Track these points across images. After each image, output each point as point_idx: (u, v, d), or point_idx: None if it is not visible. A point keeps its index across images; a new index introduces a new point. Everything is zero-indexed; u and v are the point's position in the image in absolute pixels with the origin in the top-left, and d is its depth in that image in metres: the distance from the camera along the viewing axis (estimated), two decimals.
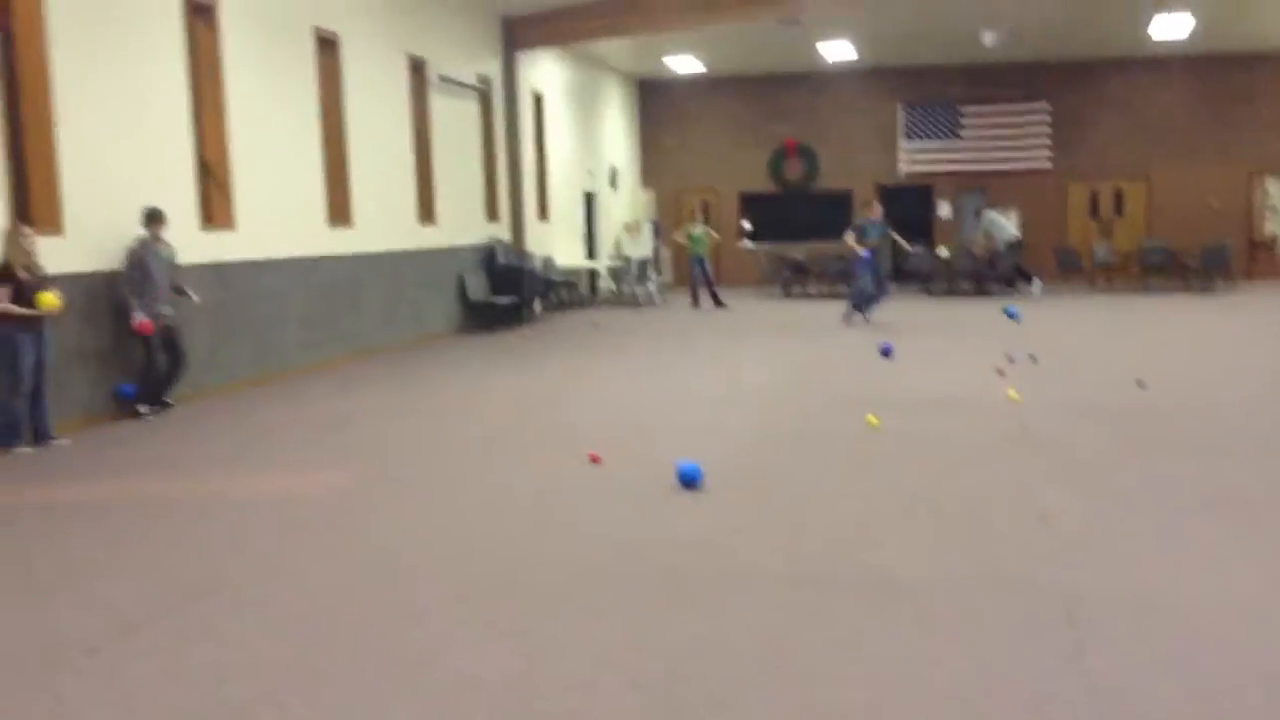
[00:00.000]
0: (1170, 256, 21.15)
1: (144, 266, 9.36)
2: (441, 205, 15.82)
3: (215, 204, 10.99)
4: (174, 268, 9.74)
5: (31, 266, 8.18)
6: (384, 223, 14.18)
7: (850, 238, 16.13)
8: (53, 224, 8.89)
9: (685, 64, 22.96)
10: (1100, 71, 23.23)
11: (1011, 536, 5.61)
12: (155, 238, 9.51)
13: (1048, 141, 23.61)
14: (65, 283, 8.67)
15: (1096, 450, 7.53)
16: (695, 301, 19.61)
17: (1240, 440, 7.75)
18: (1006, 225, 21.47)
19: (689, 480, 6.57)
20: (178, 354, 9.80)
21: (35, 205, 8.85)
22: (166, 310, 9.61)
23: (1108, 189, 23.80)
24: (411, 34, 14.93)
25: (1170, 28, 19.74)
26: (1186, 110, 23.16)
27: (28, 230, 8.23)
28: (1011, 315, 15.45)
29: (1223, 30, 20.40)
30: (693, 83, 24.84)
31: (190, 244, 10.38)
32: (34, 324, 8.18)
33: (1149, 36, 20.44)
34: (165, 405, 9.76)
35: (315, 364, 12.38)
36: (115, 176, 9.50)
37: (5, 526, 6.23)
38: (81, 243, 9.11)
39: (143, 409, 9.54)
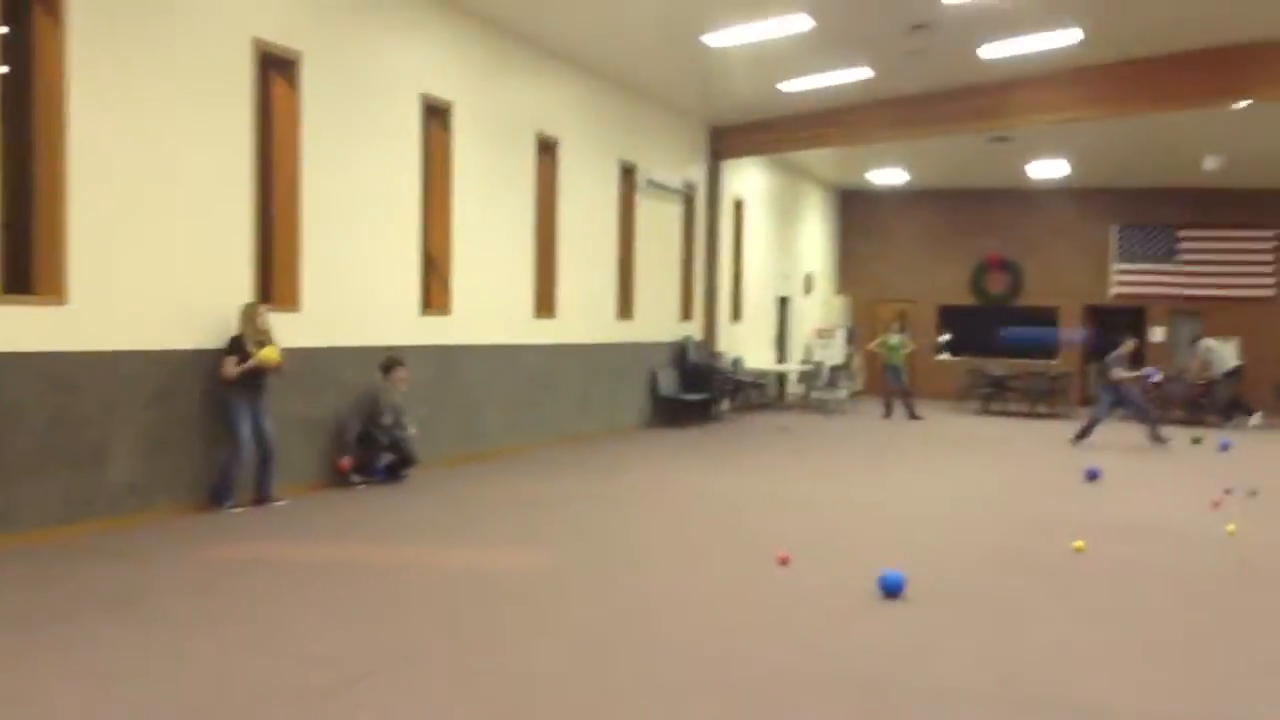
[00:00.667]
0: None
1: (375, 405, 10.16)
2: (639, 302, 16.26)
3: (435, 292, 11.65)
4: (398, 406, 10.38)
5: (264, 341, 8.78)
6: (585, 316, 14.68)
7: (1121, 369, 15.52)
8: (291, 301, 9.61)
9: (888, 176, 23.04)
10: None
11: (1233, 678, 5.28)
12: (390, 382, 10.27)
13: (1271, 270, 22.47)
14: (298, 355, 9.35)
15: None
16: (888, 412, 19.33)
17: None
18: (1225, 353, 20.40)
19: (893, 589, 6.48)
20: (405, 455, 10.46)
21: (277, 285, 9.59)
22: (406, 433, 10.41)
23: None
24: (625, 140, 15.58)
25: None
26: None
27: (263, 309, 8.89)
28: (1224, 447, 14.65)
29: None
30: (894, 193, 24.86)
31: (412, 328, 11.04)
32: (253, 395, 8.80)
33: None
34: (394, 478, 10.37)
35: (515, 446, 12.80)
36: (349, 263, 10.21)
37: (230, 580, 6.67)
38: (315, 321, 9.80)
39: (355, 478, 10.07)
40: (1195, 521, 9.45)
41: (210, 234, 8.71)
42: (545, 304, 13.81)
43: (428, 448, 11.16)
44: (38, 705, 4.45)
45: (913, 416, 18.92)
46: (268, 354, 8.72)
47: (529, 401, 13.25)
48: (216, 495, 8.69)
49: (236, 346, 8.67)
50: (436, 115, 11.54)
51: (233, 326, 8.81)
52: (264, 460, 8.97)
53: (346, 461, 10.03)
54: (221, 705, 4.48)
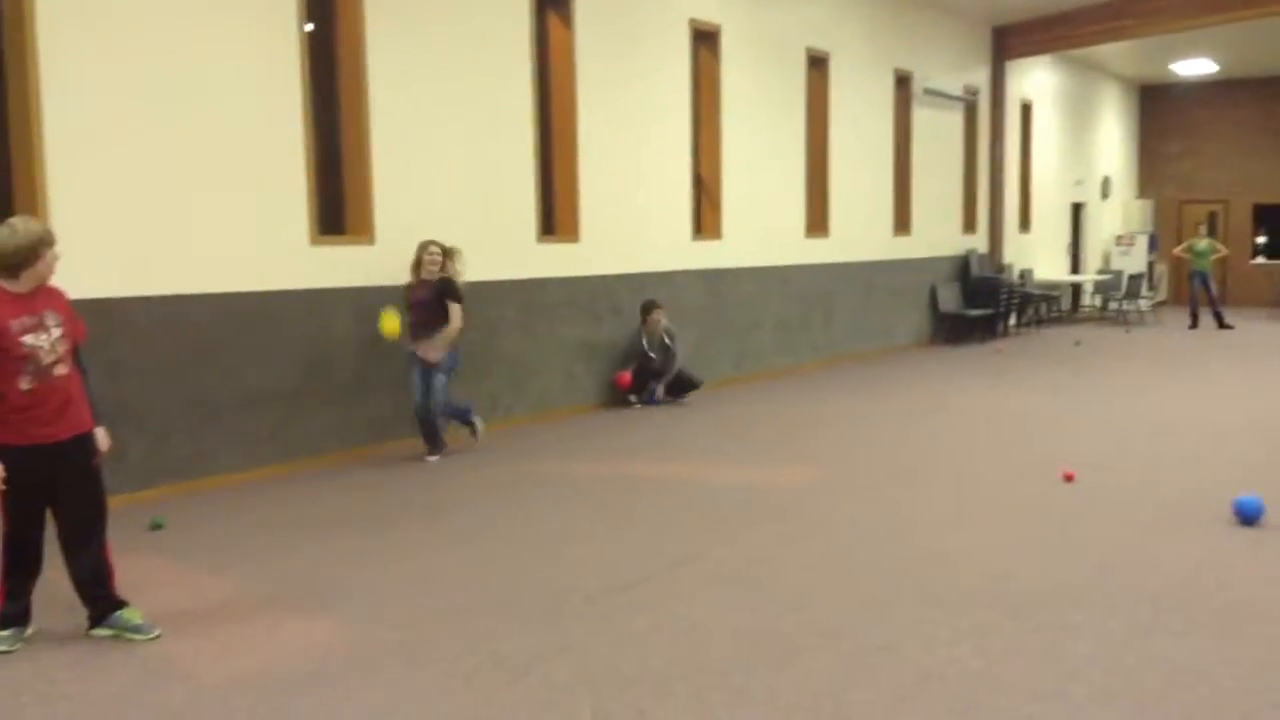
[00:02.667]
0: None
1: (638, 346, 10.55)
2: (917, 217, 15.84)
3: (706, 217, 11.87)
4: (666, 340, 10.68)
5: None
6: (859, 234, 14.48)
7: None
8: (571, 232, 10.09)
9: (1194, 67, 21.07)
10: None
11: None
12: (648, 324, 10.55)
13: None
14: (577, 284, 9.88)
15: None
16: (1194, 322, 18.00)
17: None
18: None
19: (1250, 515, 6.03)
20: (686, 380, 10.82)
21: (559, 217, 10.08)
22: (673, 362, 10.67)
23: None
24: (900, 49, 15.10)
25: None
26: None
27: (433, 247, 8.01)
28: None
29: None
30: (1200, 86, 22.74)
31: (684, 253, 11.34)
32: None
33: None
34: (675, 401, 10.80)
35: (788, 367, 12.93)
36: (623, 193, 10.57)
37: (517, 491, 7.22)
38: (592, 250, 10.24)
39: (632, 399, 10.53)
40: None
41: (496, 171, 9.26)
42: (817, 223, 13.74)
43: (703, 369, 11.47)
44: (372, 599, 5.06)
45: (1222, 325, 17.53)
46: (388, 326, 7.77)
47: (802, 322, 13.30)
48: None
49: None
50: (704, 40, 11.64)
51: (514, 261, 9.37)
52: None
53: (625, 376, 10.41)
54: (519, 604, 4.94)
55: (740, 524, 6.29)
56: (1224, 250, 19.35)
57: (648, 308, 10.62)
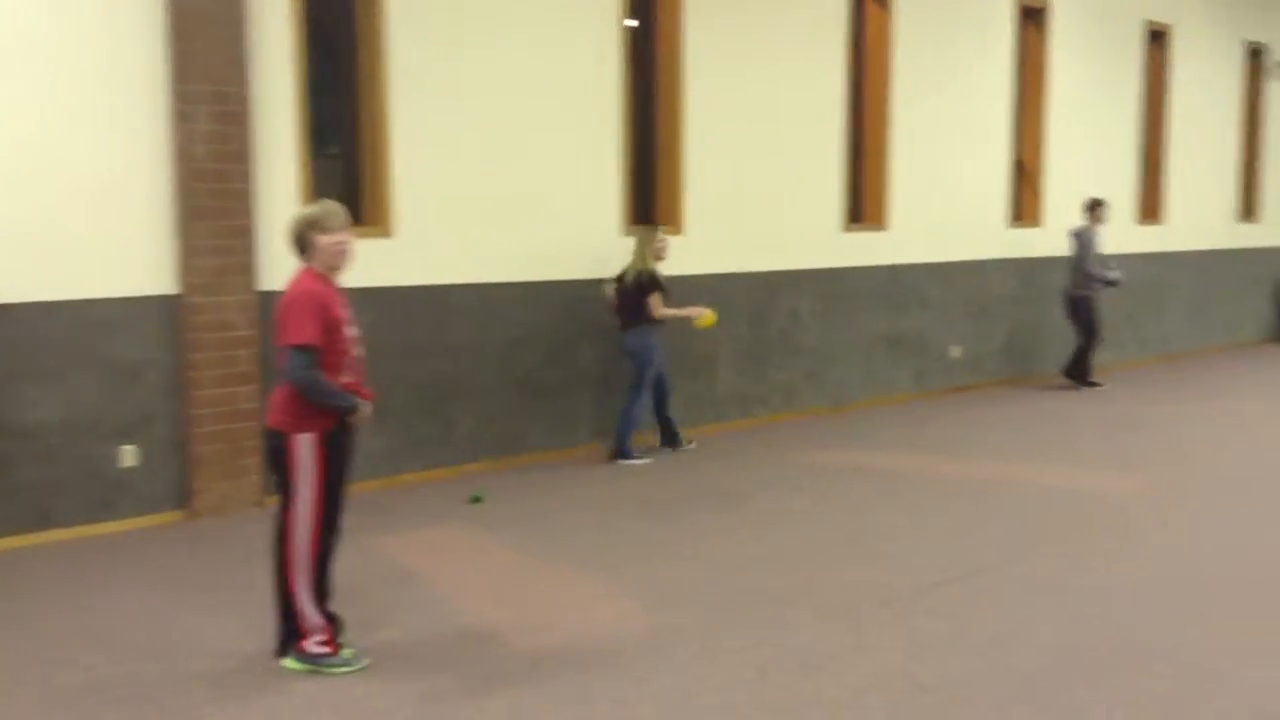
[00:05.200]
0: None
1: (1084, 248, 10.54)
2: (1267, 201, 14.37)
3: (1025, 203, 11.31)
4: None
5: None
6: (1198, 220, 13.33)
7: None
8: (879, 221, 9.90)
9: None
10: None
11: None
12: (1093, 223, 10.59)
13: None
14: (883, 273, 9.69)
15: None
16: None
17: None
18: None
19: None
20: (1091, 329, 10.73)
21: (867, 206, 9.93)
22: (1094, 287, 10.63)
23: None
24: (1251, 18, 13.73)
25: None
26: None
27: (662, 236, 7.70)
28: None
29: None
30: None
31: (1000, 241, 10.90)
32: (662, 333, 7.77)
33: None
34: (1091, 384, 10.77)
35: (1112, 364, 12.12)
36: (936, 180, 10.24)
37: (818, 482, 7.18)
38: (901, 239, 10.00)
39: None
40: None
41: (806, 162, 9.22)
42: (1150, 208, 12.77)
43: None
44: (670, 583, 5.23)
45: None
46: (706, 321, 7.70)
47: (1128, 314, 12.40)
48: (623, 451, 7.70)
49: (660, 283, 7.61)
50: (1031, 18, 11.08)
51: (820, 253, 9.32)
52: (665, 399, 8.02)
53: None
54: (816, 597, 4.95)
55: (1058, 531, 5.99)
56: None
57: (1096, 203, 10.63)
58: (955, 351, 10.61)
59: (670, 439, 8.04)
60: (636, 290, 7.56)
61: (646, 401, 7.81)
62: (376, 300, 6.74)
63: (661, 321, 7.64)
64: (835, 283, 9.54)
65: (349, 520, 4.34)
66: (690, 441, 8.11)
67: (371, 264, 6.55)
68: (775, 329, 9.13)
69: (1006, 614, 4.70)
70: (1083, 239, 10.55)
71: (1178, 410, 9.68)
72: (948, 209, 10.40)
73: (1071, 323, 10.75)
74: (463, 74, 7.15)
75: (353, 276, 4.42)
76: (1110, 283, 10.58)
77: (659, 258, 7.66)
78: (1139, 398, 10.37)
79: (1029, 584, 5.09)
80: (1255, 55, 13.91)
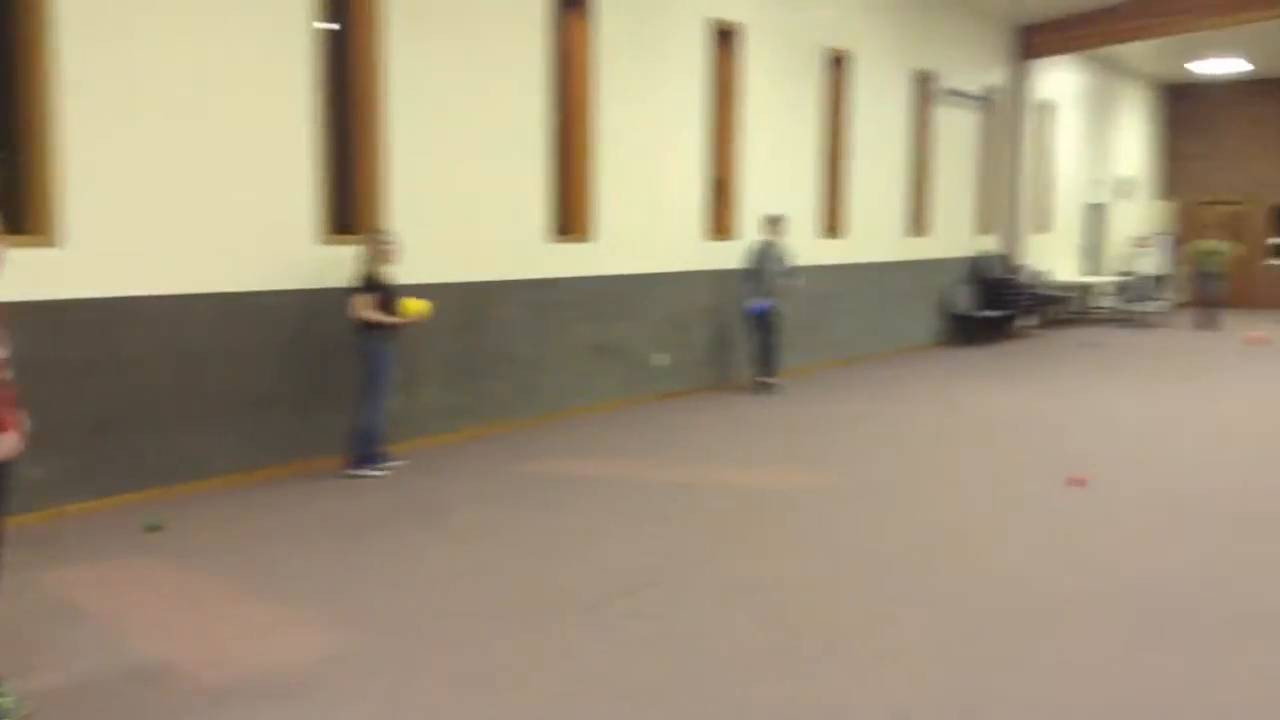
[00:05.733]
0: None
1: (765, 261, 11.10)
2: (934, 218, 15.74)
3: (723, 216, 11.80)
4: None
5: (387, 275, 7.49)
6: (875, 234, 14.40)
7: None
8: (584, 231, 10.05)
9: (1219, 67, 20.88)
10: None
11: None
12: (772, 238, 11.15)
13: None
14: (588, 283, 9.84)
15: None
16: (1204, 322, 17.97)
17: None
18: None
19: None
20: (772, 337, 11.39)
21: (572, 217, 10.04)
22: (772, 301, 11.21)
23: None
24: (920, 48, 15.00)
25: None
26: None
27: (387, 239, 7.53)
28: None
29: None
30: (1225, 86, 22.52)
31: (697, 253, 11.30)
32: (395, 338, 7.56)
33: None
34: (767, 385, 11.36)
35: (800, 368, 12.85)
36: (638, 193, 10.51)
37: (523, 492, 7.19)
38: (606, 250, 10.20)
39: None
40: None
41: (508, 171, 9.21)
42: (833, 223, 13.67)
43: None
44: (367, 603, 5.04)
45: (1203, 326, 17.67)
46: (416, 308, 7.56)
47: (814, 322, 13.22)
48: (365, 458, 7.52)
49: (372, 284, 7.39)
50: (725, 38, 11.59)
51: (528, 264, 9.35)
52: (388, 414, 7.76)
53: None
54: (511, 608, 4.91)
55: (747, 529, 6.25)
56: (1236, 250, 19.35)
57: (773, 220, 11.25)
58: (661, 359, 10.92)
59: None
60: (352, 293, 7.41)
61: (380, 408, 7.56)
62: (38, 315, 6.14)
63: (391, 326, 7.47)
64: (544, 293, 9.59)
65: (7, 556, 3.91)
66: (393, 461, 7.87)
67: (34, 275, 5.98)
68: (484, 339, 9.06)
69: (705, 613, 4.84)
70: (763, 253, 11.15)
71: (857, 410, 10.38)
72: (651, 221, 10.71)
73: (756, 331, 11.34)
74: (139, 74, 6.64)
75: (7, 290, 3.98)
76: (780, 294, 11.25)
77: (381, 261, 7.48)
78: (824, 399, 11.05)
79: (724, 583, 5.28)
80: (923, 82, 15.19)
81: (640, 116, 10.50)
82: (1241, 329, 17.38)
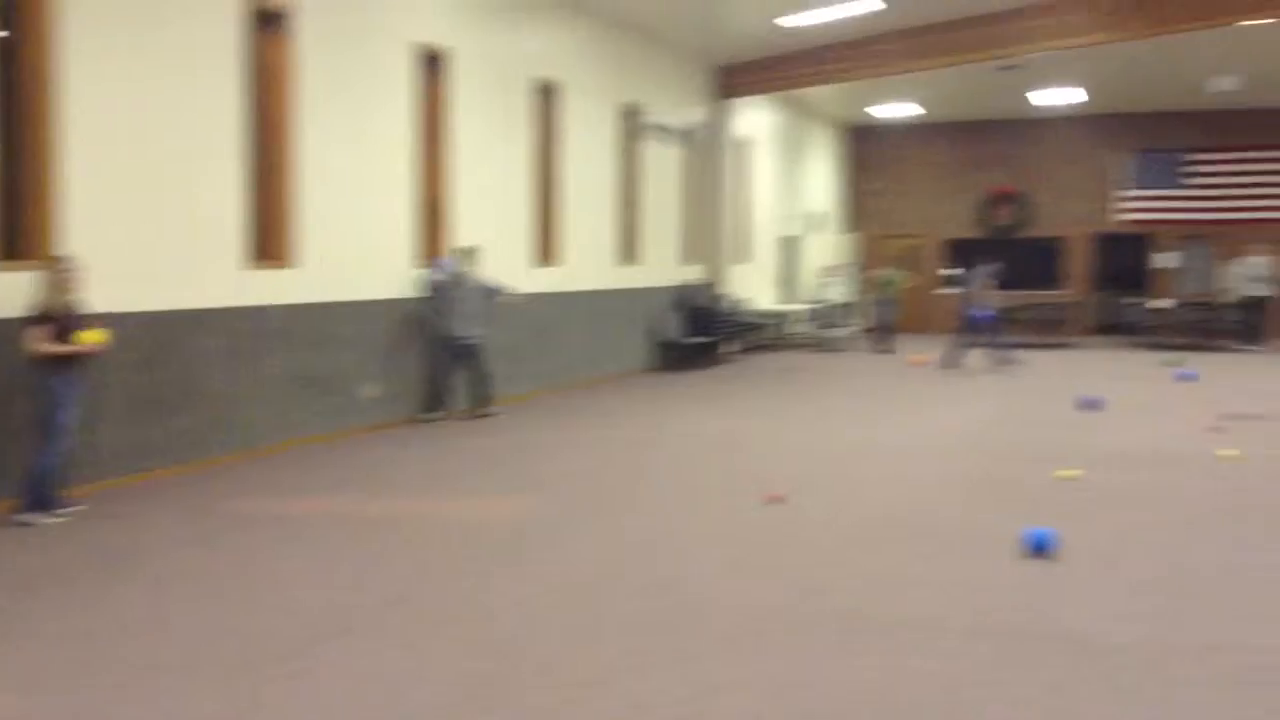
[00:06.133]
0: None
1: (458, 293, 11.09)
2: (643, 247, 16.24)
3: (433, 243, 11.66)
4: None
5: (71, 305, 6.96)
6: (588, 262, 14.68)
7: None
8: (285, 258, 9.63)
9: (894, 110, 22.85)
10: None
11: (1215, 600, 5.33)
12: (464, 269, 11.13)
13: None
14: (295, 312, 9.44)
15: None
16: (880, 347, 19.47)
17: None
18: (1250, 279, 20.43)
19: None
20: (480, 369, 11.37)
21: (271, 242, 9.60)
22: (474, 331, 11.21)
23: None
24: (627, 82, 15.47)
25: None
26: None
27: (68, 266, 6.99)
28: (1184, 377, 14.69)
29: None
30: (904, 128, 24.62)
31: (409, 280, 11.09)
32: (75, 371, 6.99)
33: None
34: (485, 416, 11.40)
35: (516, 396, 12.87)
36: (344, 218, 10.21)
37: (216, 536, 6.78)
38: (311, 277, 9.82)
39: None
40: (1193, 447, 9.46)
41: (200, 194, 8.69)
42: (547, 251, 13.81)
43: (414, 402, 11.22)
44: (31, 663, 4.56)
45: (881, 350, 19.02)
46: (91, 339, 6.96)
47: (530, 350, 13.30)
48: (39, 502, 6.92)
49: (46, 316, 6.83)
50: (432, 63, 11.48)
51: (223, 291, 8.86)
52: (67, 454, 7.13)
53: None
54: (200, 661, 4.59)
55: (455, 561, 6.15)
56: (910, 280, 21.16)
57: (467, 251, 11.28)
58: (371, 390, 10.62)
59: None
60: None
61: (58, 448, 6.89)
62: None
63: (68, 359, 6.86)
64: (242, 322, 9.10)
65: None
66: (72, 505, 7.19)
67: None
68: (175, 372, 8.47)
69: (407, 652, 4.71)
70: (454, 283, 11.09)
71: (569, 436, 10.50)
72: (359, 248, 10.42)
73: (460, 361, 11.28)
74: None
75: None
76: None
77: (61, 290, 6.88)
78: (538, 426, 11.10)
79: (426, 619, 5.16)
80: (629, 115, 15.66)
81: (345, 140, 10.23)
82: (910, 352, 18.93)
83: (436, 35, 11.43)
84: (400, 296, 11.01)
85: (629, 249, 15.96)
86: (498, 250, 12.57)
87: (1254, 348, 19.53)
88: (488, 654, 4.65)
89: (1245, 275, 20.51)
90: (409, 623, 5.07)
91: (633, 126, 15.83)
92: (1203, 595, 5.46)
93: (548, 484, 8.24)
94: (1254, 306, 20.18)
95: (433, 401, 11.28)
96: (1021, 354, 16.86)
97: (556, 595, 5.49)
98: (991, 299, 16.28)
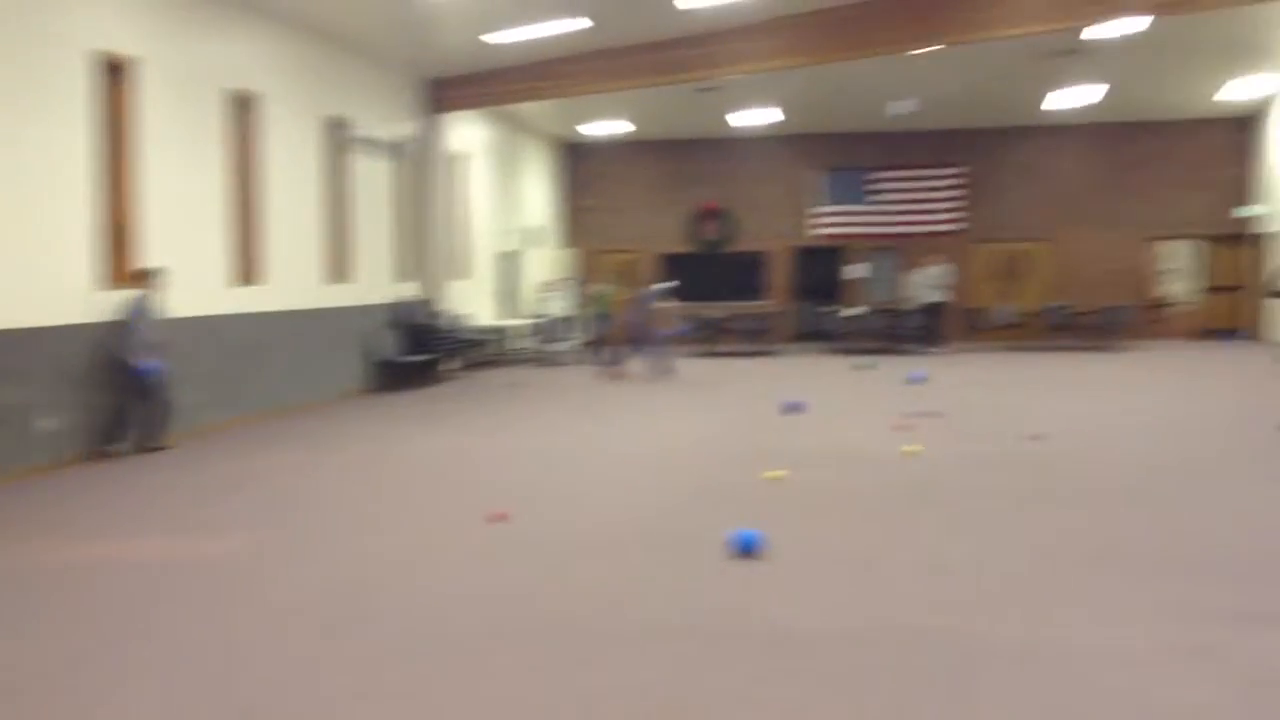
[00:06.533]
0: (1071, 316, 21.84)
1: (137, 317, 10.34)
2: (355, 264, 15.78)
3: (121, 262, 10.84)
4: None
5: None
6: (295, 281, 14.10)
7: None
8: None
9: (606, 128, 23.42)
10: (1008, 139, 24.05)
11: (906, 588, 5.72)
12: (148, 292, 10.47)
13: (959, 205, 24.30)
14: None
15: (992, 502, 7.72)
16: (611, 360, 19.74)
17: (1132, 494, 8.00)
18: (928, 285, 22.24)
19: (747, 547, 6.37)
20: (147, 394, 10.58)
21: None
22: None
23: (1014, 251, 24.51)
24: (333, 95, 14.98)
25: (1072, 98, 20.70)
26: (1088, 176, 24.02)
27: None
28: (916, 379, 15.88)
29: (1120, 101, 21.37)
30: (616, 145, 25.23)
31: (92, 302, 10.26)
32: None
33: (1050, 108, 21.48)
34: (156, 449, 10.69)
35: (219, 424, 12.18)
36: (10, 236, 9.33)
37: None
38: None
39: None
40: (886, 445, 10.17)
41: None
42: (249, 270, 13.15)
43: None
44: None
45: (608, 363, 19.29)
46: None
47: (234, 375, 12.62)
48: None
49: None
50: (116, 73, 10.68)
51: None
52: None
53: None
54: None
55: (154, 608, 5.71)
56: (618, 294, 21.65)
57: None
58: (48, 423, 9.73)
59: None
60: None
61: None
62: None
63: None
64: None
65: None
66: None
67: None
68: None
69: (102, 707, 4.32)
70: (137, 308, 10.41)
71: (283, 461, 10.02)
72: (30, 270, 9.54)
73: (138, 391, 10.53)
74: None
75: None
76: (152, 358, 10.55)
77: None
78: (239, 455, 10.53)
79: (123, 673, 4.77)
80: (336, 129, 15.19)
81: (11, 155, 9.34)
82: (637, 365, 19.40)
83: (119, 43, 10.66)
84: (81, 322, 10.16)
85: (340, 266, 15.47)
86: (192, 270, 11.87)
87: (934, 349, 21.29)
88: (192, 705, 4.34)
89: (924, 283, 22.37)
90: (100, 677, 4.65)
91: (340, 140, 15.37)
92: (893, 583, 5.85)
93: (252, 518, 7.81)
94: (932, 311, 22.01)
95: (114, 433, 10.46)
96: (678, 363, 17.55)
97: (268, 635, 5.20)
98: (668, 316, 17.10)
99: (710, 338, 22.35)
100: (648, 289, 17.49)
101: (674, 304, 16.96)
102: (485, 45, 15.65)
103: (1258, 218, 22.70)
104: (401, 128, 17.22)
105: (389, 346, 16.53)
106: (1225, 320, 23.67)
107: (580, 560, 6.42)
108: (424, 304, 17.84)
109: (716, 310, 23.18)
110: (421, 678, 4.56)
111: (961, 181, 24.21)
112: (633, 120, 22.78)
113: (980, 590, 5.67)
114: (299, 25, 13.97)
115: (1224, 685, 4.34)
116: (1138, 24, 15.46)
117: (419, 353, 16.75)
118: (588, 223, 25.97)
